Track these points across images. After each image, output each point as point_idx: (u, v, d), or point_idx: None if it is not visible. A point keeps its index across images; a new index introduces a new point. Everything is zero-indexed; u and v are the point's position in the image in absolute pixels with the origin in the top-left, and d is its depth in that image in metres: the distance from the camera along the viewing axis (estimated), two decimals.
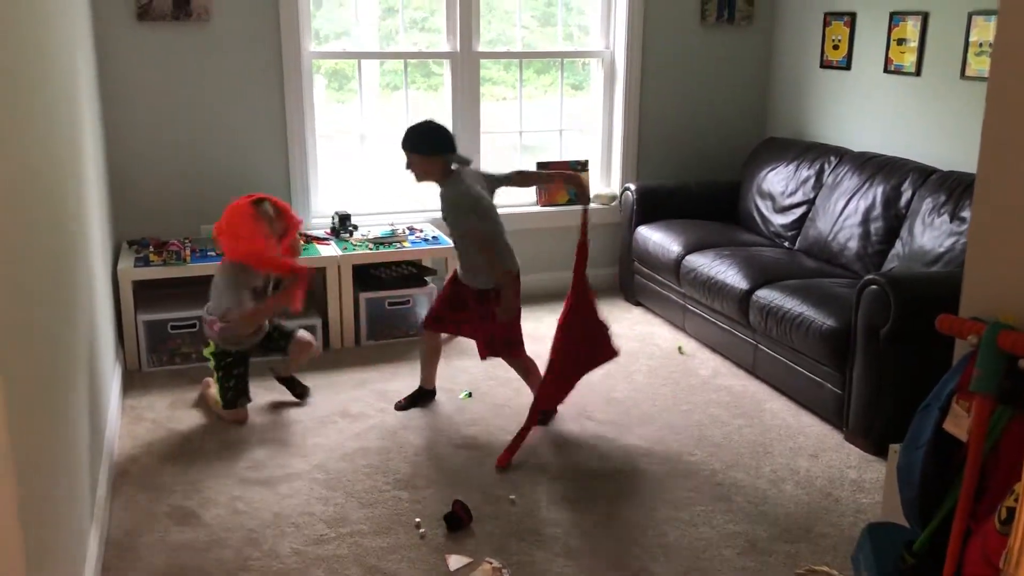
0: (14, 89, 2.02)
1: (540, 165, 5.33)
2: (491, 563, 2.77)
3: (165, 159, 4.59)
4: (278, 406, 3.87)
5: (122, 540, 2.89)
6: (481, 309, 3.61)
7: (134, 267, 4.18)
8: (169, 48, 4.48)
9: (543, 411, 3.63)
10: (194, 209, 4.66)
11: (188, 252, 4.29)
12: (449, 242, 4.69)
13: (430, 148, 3.48)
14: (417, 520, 3.01)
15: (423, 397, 3.90)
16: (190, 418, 3.76)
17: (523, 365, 3.72)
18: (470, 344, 4.59)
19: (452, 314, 3.72)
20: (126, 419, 3.74)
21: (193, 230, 4.67)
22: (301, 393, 3.91)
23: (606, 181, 5.56)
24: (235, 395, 3.71)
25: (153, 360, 4.25)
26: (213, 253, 4.36)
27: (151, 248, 4.31)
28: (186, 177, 4.63)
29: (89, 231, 3.31)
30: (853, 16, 4.90)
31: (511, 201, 5.33)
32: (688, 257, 4.58)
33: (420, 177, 3.55)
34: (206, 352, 3.78)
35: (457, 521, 2.97)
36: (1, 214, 1.75)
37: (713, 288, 4.31)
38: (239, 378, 3.72)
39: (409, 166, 3.53)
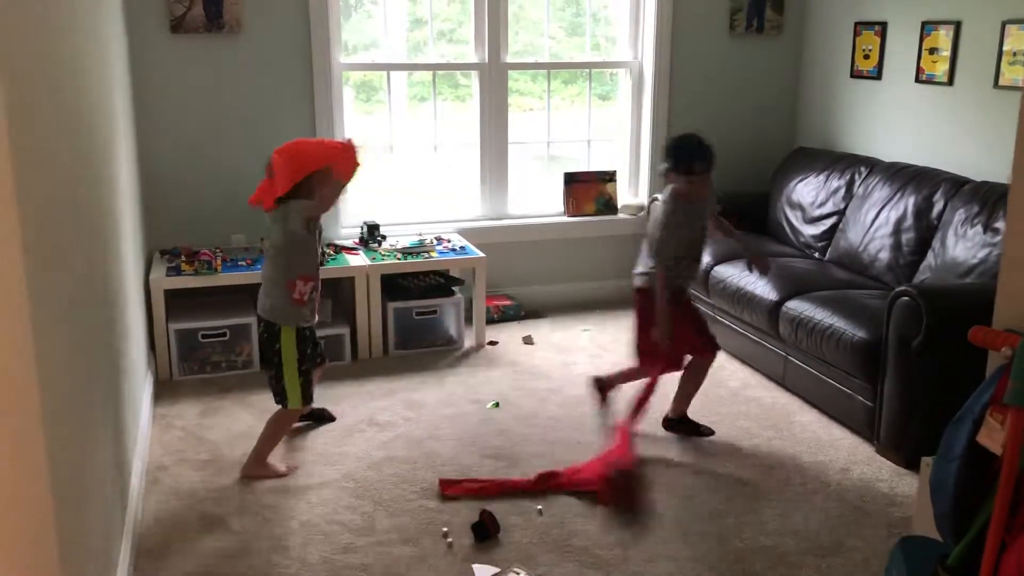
0: (49, 100, 2.06)
1: (568, 176, 5.33)
2: (518, 573, 2.77)
3: (197, 169, 4.65)
4: (305, 415, 3.89)
5: (152, 547, 2.91)
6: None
7: (166, 276, 4.23)
8: (202, 60, 4.54)
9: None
10: (225, 219, 4.71)
11: (219, 262, 4.34)
12: (478, 253, 4.71)
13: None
14: (444, 530, 3.01)
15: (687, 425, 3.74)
16: (220, 426, 3.79)
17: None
18: (499, 354, 4.61)
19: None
20: (157, 427, 3.78)
21: (224, 240, 4.72)
22: (330, 418, 3.87)
23: (634, 191, 5.55)
24: (309, 386, 3.41)
25: (184, 369, 4.29)
26: (244, 263, 4.41)
27: (183, 257, 4.36)
28: (218, 187, 4.69)
29: (122, 240, 3.36)
30: (884, 25, 4.86)
31: (537, 211, 5.34)
32: (717, 268, 4.56)
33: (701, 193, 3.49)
34: (284, 339, 3.31)
35: (484, 531, 2.97)
36: (36, 224, 1.78)
37: (743, 299, 4.29)
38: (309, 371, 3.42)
39: (702, 183, 3.47)
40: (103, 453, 2.46)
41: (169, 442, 3.64)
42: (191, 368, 4.30)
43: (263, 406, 3.96)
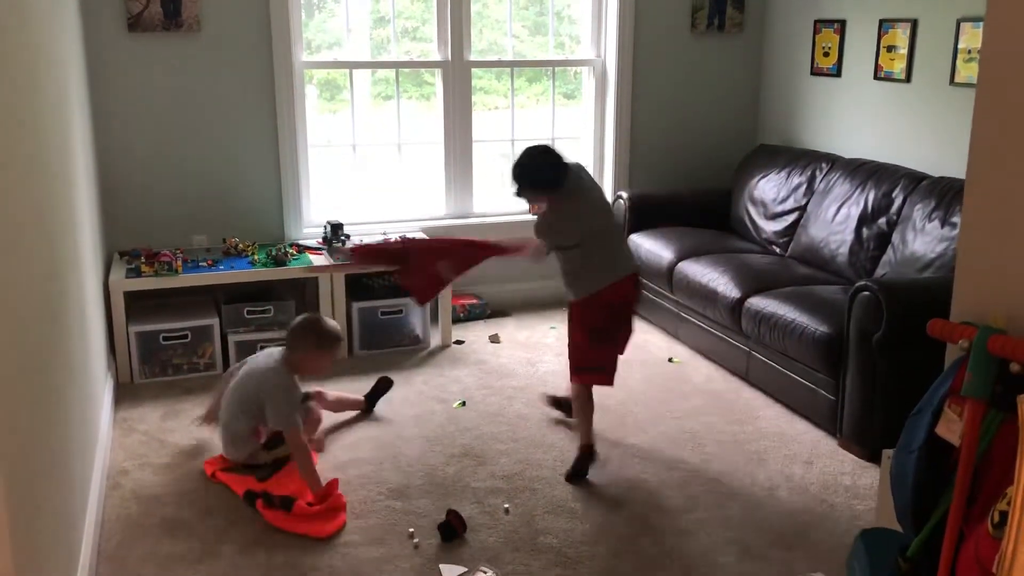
0: (4, 100, 2.02)
1: None
2: (485, 573, 2.76)
3: (157, 169, 4.58)
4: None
5: (113, 552, 2.87)
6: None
7: (125, 278, 4.16)
8: (160, 58, 4.47)
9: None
10: (186, 220, 4.65)
11: (179, 263, 4.28)
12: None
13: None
14: (411, 530, 3.00)
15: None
16: (182, 429, 3.74)
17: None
18: (465, 353, 4.61)
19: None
20: (118, 431, 3.72)
21: (185, 241, 4.66)
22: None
23: None
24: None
25: (145, 372, 4.23)
26: (205, 264, 4.36)
27: (143, 259, 4.30)
28: (178, 187, 4.63)
29: (80, 242, 3.30)
30: (843, 23, 4.92)
31: (502, 210, 5.33)
32: (680, 265, 4.59)
33: None
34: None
35: (451, 531, 2.96)
36: None
37: (706, 295, 4.31)
38: None
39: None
40: (61, 458, 2.41)
41: (130, 446, 3.59)
42: (152, 371, 4.24)
43: None
